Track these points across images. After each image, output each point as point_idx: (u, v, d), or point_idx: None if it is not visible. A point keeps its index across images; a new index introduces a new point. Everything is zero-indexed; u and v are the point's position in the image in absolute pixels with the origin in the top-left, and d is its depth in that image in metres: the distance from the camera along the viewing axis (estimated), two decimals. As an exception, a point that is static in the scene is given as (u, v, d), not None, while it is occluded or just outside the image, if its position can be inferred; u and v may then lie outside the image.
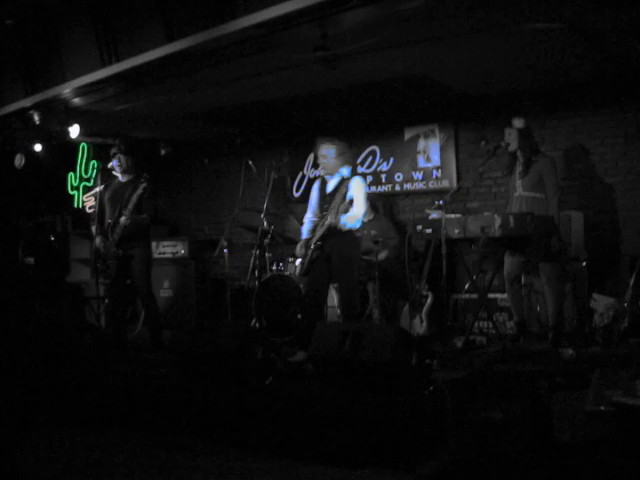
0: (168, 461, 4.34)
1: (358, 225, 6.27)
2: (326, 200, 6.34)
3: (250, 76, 7.23)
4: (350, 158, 6.58)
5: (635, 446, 3.56)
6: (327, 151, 6.34)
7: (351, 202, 6.07)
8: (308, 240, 6.40)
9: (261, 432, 4.51)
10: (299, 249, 6.46)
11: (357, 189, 6.24)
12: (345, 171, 6.35)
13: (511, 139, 6.52)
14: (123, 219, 6.84)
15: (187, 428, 4.86)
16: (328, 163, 6.36)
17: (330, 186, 6.41)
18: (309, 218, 6.60)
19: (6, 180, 9.54)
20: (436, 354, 5.58)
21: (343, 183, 6.25)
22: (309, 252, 6.30)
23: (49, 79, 7.53)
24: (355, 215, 6.16)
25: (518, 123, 6.52)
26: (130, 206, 6.83)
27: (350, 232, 6.24)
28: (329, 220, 6.09)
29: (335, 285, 6.70)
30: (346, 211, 6.08)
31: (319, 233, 6.24)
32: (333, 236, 6.18)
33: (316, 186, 6.62)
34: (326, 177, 6.49)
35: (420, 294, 7.29)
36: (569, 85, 7.91)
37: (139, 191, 6.81)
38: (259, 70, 7.04)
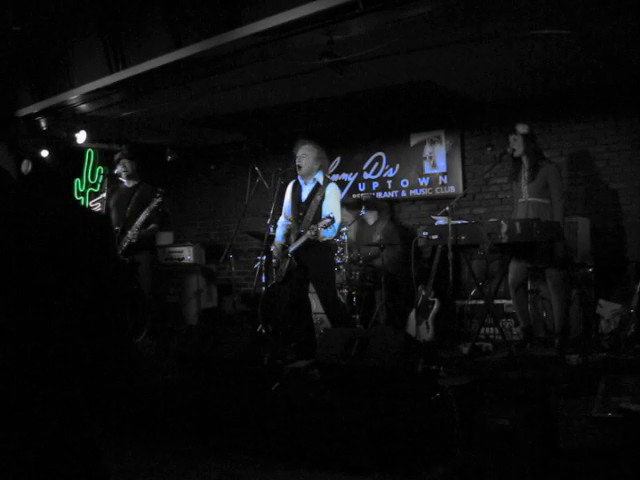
0: (173, 467, 4.34)
1: (335, 232, 6.32)
2: (301, 207, 6.36)
3: (257, 83, 7.25)
4: (326, 165, 6.64)
5: (642, 453, 3.56)
6: (307, 152, 6.38)
7: (331, 219, 6.04)
8: (283, 246, 6.43)
9: (267, 438, 4.52)
10: (276, 254, 6.50)
11: (333, 196, 6.29)
12: (320, 177, 6.38)
13: (516, 145, 6.52)
14: (130, 235, 6.86)
15: (193, 434, 4.87)
16: (306, 164, 6.38)
17: (305, 192, 6.43)
18: (283, 222, 6.62)
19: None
20: (442, 360, 5.58)
21: (318, 190, 6.28)
22: (286, 261, 6.32)
23: (56, 85, 7.55)
24: (335, 222, 6.16)
25: (522, 129, 6.53)
26: (138, 223, 6.84)
27: (324, 241, 6.28)
28: (308, 234, 6.10)
29: (314, 292, 6.69)
30: (326, 227, 6.07)
31: (296, 244, 6.25)
32: (308, 244, 6.20)
33: (289, 189, 6.63)
34: (300, 181, 6.51)
35: (426, 300, 7.29)
36: (575, 91, 7.91)
37: (153, 205, 6.83)
38: (266, 77, 7.05)
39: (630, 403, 3.72)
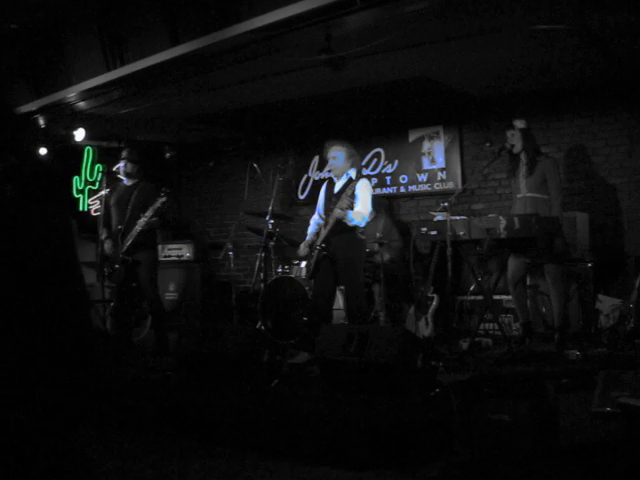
0: (173, 463, 4.34)
1: (363, 223, 6.32)
2: (332, 201, 6.39)
3: (255, 79, 7.25)
4: (358, 160, 6.68)
5: (641, 447, 3.56)
6: (337, 153, 6.43)
7: (353, 196, 6.10)
8: (312, 241, 6.44)
9: (266, 434, 4.52)
10: (302, 249, 6.51)
11: (363, 190, 6.31)
12: (353, 173, 6.40)
13: (515, 140, 6.51)
14: (134, 232, 6.87)
15: (193, 431, 4.87)
16: (337, 165, 6.43)
17: (337, 187, 6.47)
18: (315, 219, 6.66)
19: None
20: (442, 356, 5.59)
21: (350, 184, 6.29)
22: (314, 254, 6.33)
23: (54, 83, 7.55)
24: (361, 212, 6.21)
25: (520, 123, 6.52)
26: (141, 223, 6.84)
27: (354, 233, 6.27)
28: (335, 214, 6.13)
29: (340, 287, 6.71)
30: (351, 206, 6.10)
31: (323, 234, 6.28)
32: (337, 236, 6.21)
33: (324, 188, 6.69)
34: (334, 179, 6.55)
35: (426, 296, 7.29)
36: (574, 86, 7.91)
37: (157, 205, 6.83)
38: (264, 73, 7.05)
39: (629, 398, 3.72)
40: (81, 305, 1.57)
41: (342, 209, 6.14)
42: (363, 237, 6.42)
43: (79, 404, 1.57)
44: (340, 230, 6.23)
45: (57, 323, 1.48)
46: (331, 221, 6.24)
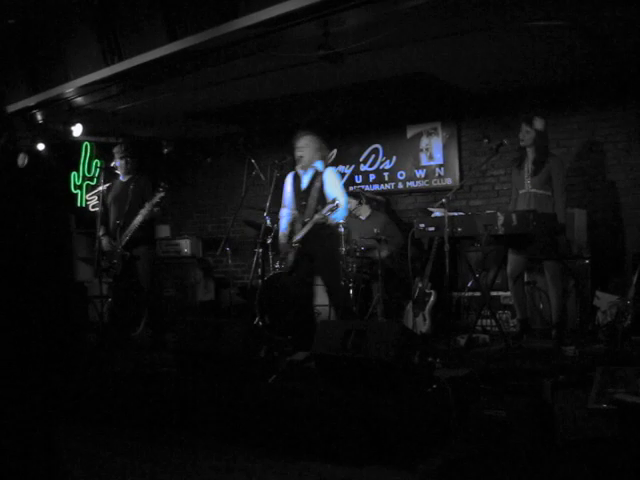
0: (171, 459, 4.34)
1: (343, 216, 6.35)
2: (302, 196, 6.37)
3: (253, 74, 7.24)
4: (326, 154, 6.66)
5: (637, 444, 3.56)
6: (309, 142, 6.39)
7: (337, 203, 6.05)
8: (289, 237, 6.43)
9: (264, 430, 4.52)
10: (282, 244, 6.50)
11: (332, 180, 6.32)
12: (320, 166, 6.40)
13: (527, 137, 6.45)
14: (132, 228, 6.87)
15: (190, 426, 4.87)
16: (307, 154, 6.39)
17: (304, 180, 6.45)
18: (285, 213, 6.62)
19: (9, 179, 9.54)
20: (439, 352, 5.58)
21: (317, 177, 6.29)
22: (292, 251, 6.32)
23: (52, 78, 7.53)
24: (339, 206, 6.16)
25: (539, 124, 6.46)
26: (139, 218, 6.85)
27: (332, 227, 6.29)
28: (316, 218, 6.12)
29: (320, 282, 6.70)
30: (332, 211, 6.07)
31: (302, 233, 6.25)
32: (315, 232, 6.21)
33: (290, 181, 6.63)
34: (299, 171, 6.52)
35: (423, 292, 7.30)
36: (572, 83, 7.91)
37: (155, 200, 6.83)
38: (262, 69, 7.04)
39: (625, 394, 3.73)
40: (70, 299, 1.57)
41: (324, 215, 6.11)
42: (341, 230, 6.46)
43: (51, 400, 1.57)
44: (318, 227, 6.22)
45: (48, 317, 1.47)
46: (310, 224, 6.20)
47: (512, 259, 6.62)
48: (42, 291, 1.42)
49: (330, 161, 9.47)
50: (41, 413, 1.44)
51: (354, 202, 8.37)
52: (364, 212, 8.44)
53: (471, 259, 7.40)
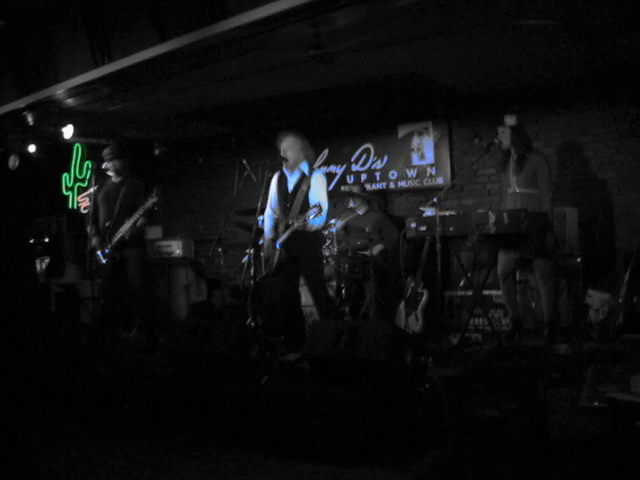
0: (164, 461, 4.33)
1: (323, 221, 6.33)
2: (288, 198, 6.35)
3: (244, 75, 7.24)
4: (311, 155, 6.61)
5: (629, 442, 3.57)
6: (292, 143, 6.37)
7: (319, 208, 6.00)
8: (272, 239, 6.41)
9: (257, 431, 4.51)
10: (266, 247, 6.49)
11: (319, 185, 6.31)
12: (306, 167, 6.38)
13: (504, 137, 6.52)
14: (123, 231, 6.83)
15: (183, 428, 4.86)
16: (292, 156, 6.37)
17: (291, 183, 6.43)
18: (269, 214, 6.60)
19: (0, 182, 9.53)
20: (431, 351, 5.58)
21: (304, 180, 6.28)
22: (276, 253, 6.31)
23: (42, 80, 7.51)
24: (320, 210, 6.13)
25: (510, 120, 6.52)
26: (132, 221, 6.80)
27: (314, 231, 6.29)
28: (296, 225, 6.11)
29: (303, 283, 6.70)
30: (314, 216, 6.03)
31: (284, 236, 6.24)
32: (297, 235, 6.20)
33: (275, 182, 6.60)
34: (285, 172, 6.50)
35: (415, 292, 7.30)
36: (562, 81, 7.92)
37: (148, 205, 6.79)
38: (253, 69, 7.04)
39: (617, 392, 3.73)
40: (29, 300, 1.57)
41: (303, 222, 6.10)
42: (321, 233, 6.51)
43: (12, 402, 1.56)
44: (301, 229, 6.21)
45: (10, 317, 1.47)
46: (291, 229, 6.20)
47: (502, 259, 6.64)
48: None
49: (321, 162, 9.51)
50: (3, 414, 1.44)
51: (345, 206, 8.42)
52: (362, 208, 8.41)
53: (463, 258, 7.41)
